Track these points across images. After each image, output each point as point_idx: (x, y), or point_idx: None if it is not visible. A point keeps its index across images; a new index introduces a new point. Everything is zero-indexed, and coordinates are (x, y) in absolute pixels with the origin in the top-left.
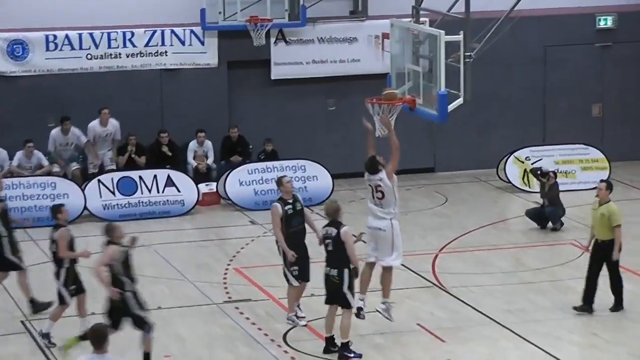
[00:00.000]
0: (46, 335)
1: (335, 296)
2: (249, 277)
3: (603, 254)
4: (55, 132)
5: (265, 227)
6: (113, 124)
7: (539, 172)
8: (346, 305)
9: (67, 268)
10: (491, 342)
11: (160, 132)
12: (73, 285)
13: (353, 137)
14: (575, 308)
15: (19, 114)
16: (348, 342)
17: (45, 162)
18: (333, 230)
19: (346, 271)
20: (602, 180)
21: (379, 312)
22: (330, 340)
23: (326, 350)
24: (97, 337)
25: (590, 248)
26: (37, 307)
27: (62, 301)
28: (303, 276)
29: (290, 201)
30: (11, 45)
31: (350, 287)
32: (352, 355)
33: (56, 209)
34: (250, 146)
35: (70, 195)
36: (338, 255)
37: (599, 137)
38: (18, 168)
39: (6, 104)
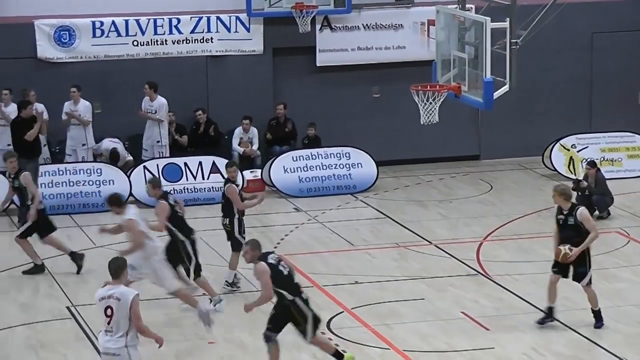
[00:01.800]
0: (233, 284)
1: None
2: (293, 264)
3: None
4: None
5: (309, 214)
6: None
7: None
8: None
9: (238, 218)
10: (536, 331)
11: (196, 111)
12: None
13: (398, 124)
14: None
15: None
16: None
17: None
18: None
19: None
20: None
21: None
22: None
23: None
24: (112, 269)
25: None
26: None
27: (237, 248)
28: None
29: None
30: (58, 31)
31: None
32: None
33: (228, 165)
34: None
35: (115, 181)
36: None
37: None
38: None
39: (53, 90)
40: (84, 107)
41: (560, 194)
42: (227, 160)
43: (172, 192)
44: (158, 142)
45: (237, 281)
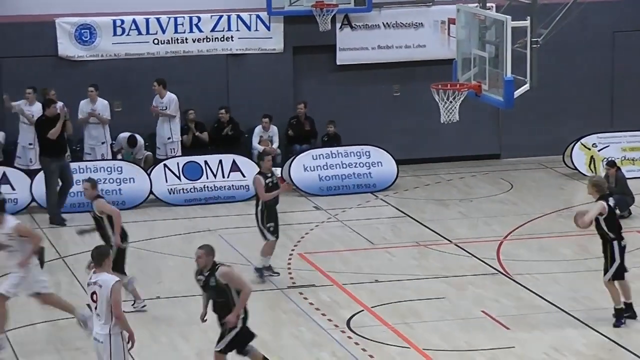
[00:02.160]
0: (267, 269)
1: None
2: (313, 262)
3: None
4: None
5: (329, 212)
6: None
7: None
8: None
9: (262, 209)
10: (556, 330)
11: (220, 109)
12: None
13: (418, 123)
14: None
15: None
16: None
17: None
18: None
19: None
20: None
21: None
22: None
23: None
24: (95, 257)
25: None
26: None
27: (263, 237)
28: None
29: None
30: (79, 30)
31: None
32: None
33: (260, 157)
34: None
35: (136, 179)
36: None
37: None
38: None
39: (73, 88)
40: (102, 106)
41: (594, 185)
42: (246, 159)
43: (192, 190)
44: (169, 138)
45: (273, 268)
